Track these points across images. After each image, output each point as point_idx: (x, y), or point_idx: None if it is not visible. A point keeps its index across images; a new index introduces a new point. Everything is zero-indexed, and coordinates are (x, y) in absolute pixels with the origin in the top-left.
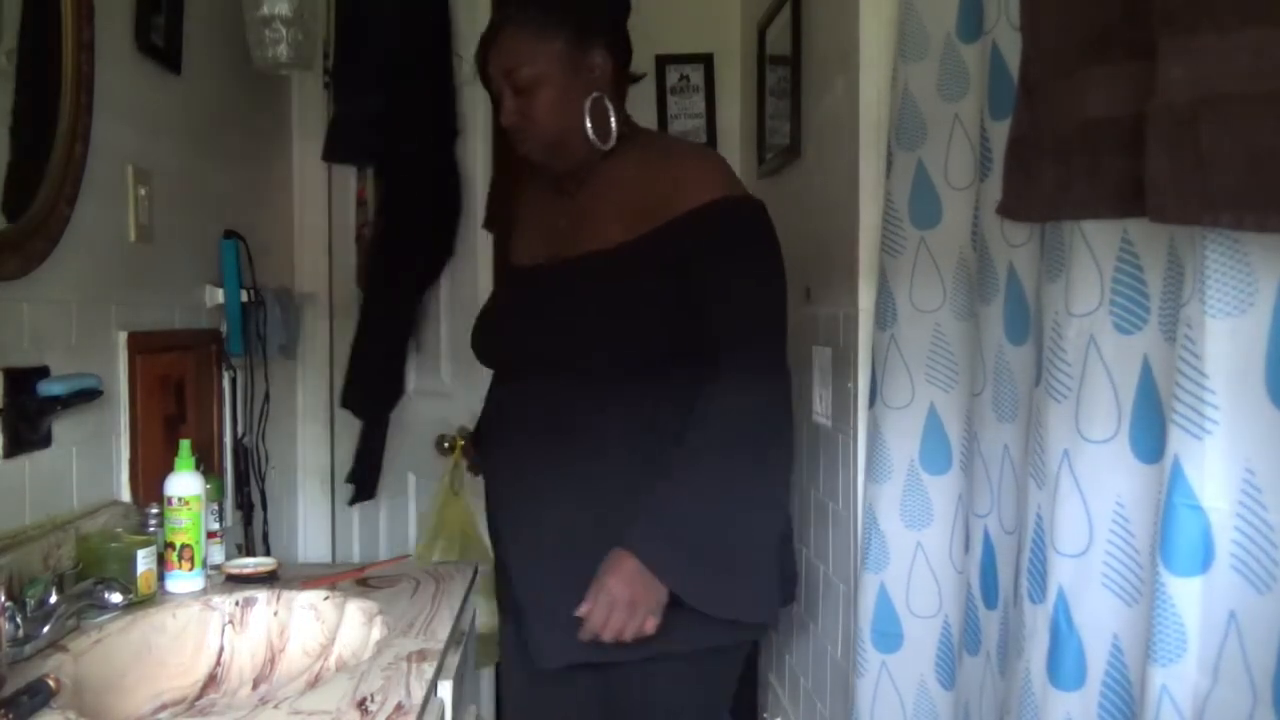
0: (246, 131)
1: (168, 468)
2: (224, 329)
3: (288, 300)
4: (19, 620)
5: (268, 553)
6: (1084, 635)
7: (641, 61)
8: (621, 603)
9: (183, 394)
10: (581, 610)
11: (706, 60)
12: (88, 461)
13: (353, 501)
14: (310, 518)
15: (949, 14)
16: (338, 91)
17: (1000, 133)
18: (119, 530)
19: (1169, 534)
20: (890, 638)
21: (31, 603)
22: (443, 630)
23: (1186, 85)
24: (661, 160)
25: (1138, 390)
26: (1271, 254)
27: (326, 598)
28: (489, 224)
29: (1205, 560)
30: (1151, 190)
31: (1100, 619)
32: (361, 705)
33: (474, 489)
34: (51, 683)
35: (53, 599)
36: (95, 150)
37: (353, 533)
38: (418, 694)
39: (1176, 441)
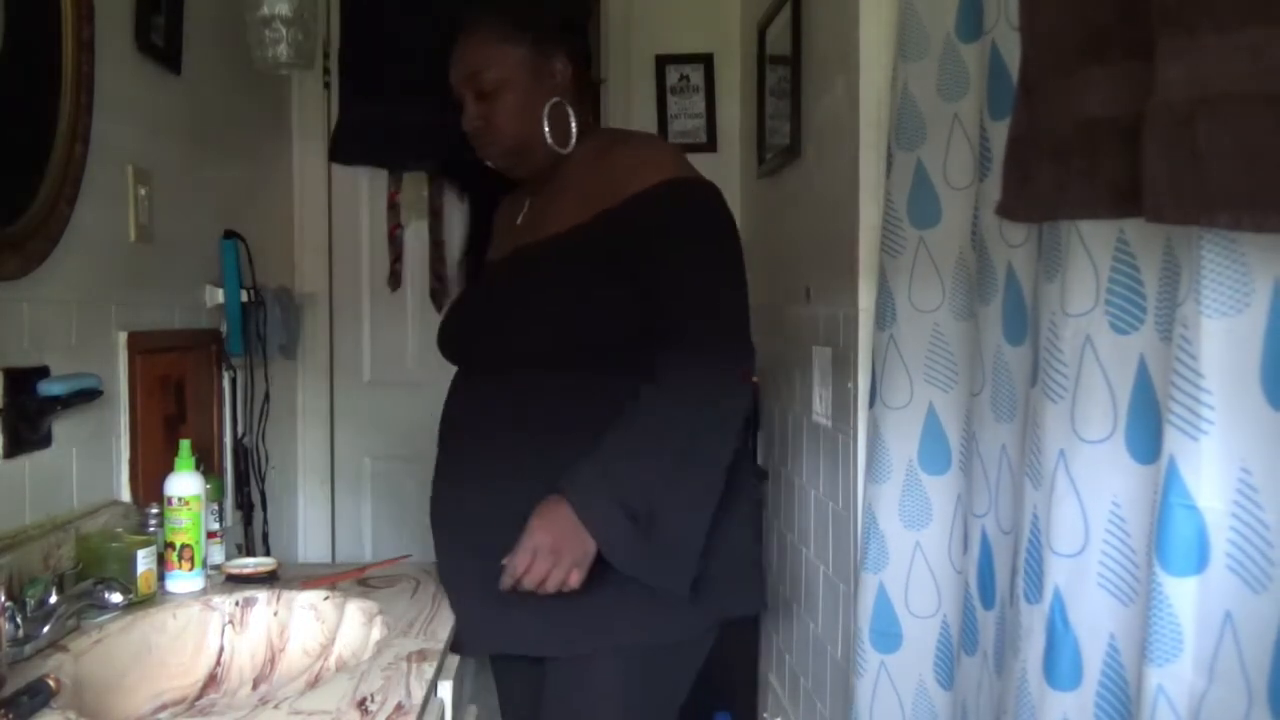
0: (246, 131)
1: (168, 468)
2: (224, 329)
3: (288, 300)
4: (19, 620)
5: (268, 553)
6: (1080, 635)
7: (641, 61)
8: (545, 549)
9: (183, 394)
10: (506, 558)
11: (706, 60)
12: (88, 461)
13: None
14: (310, 518)
15: (949, 14)
16: (366, 96)
17: (1000, 133)
18: (119, 530)
19: (1165, 534)
20: (889, 638)
21: (31, 603)
22: (443, 630)
23: (1185, 85)
24: (612, 149)
25: (1134, 390)
26: (1268, 254)
27: (326, 598)
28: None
29: (1201, 560)
30: (1149, 190)
31: (1096, 619)
32: (361, 705)
33: None
34: (51, 683)
35: (53, 599)
36: (95, 150)
37: (352, 533)
38: (418, 694)
39: (1172, 441)
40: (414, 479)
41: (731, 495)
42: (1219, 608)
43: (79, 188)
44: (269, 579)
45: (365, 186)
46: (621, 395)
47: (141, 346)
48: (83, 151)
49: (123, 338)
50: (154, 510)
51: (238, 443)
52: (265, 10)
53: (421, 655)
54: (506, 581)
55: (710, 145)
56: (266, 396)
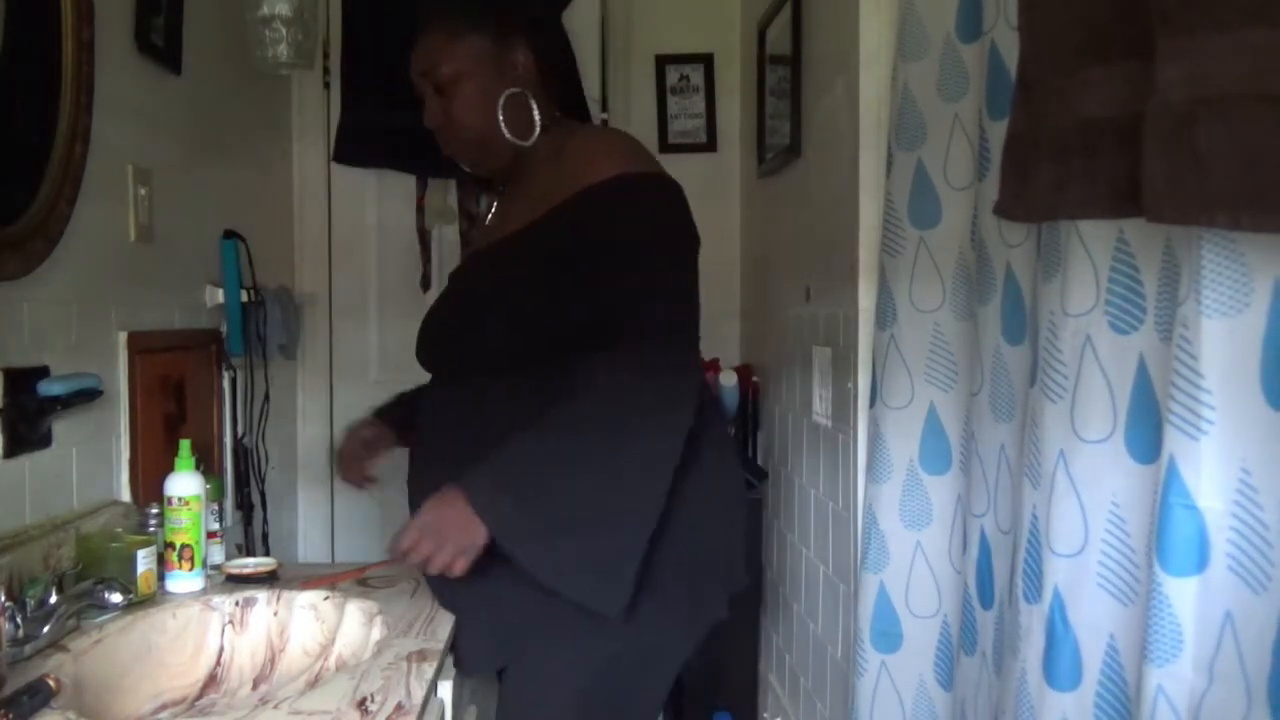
0: (246, 131)
1: (168, 468)
2: (224, 329)
3: (288, 300)
4: (19, 620)
5: (268, 553)
6: (1080, 635)
7: (641, 61)
8: (430, 531)
9: (183, 394)
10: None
11: (706, 60)
12: (88, 461)
13: None
14: (310, 518)
15: (948, 14)
16: (366, 97)
17: (999, 133)
18: (119, 530)
19: (1165, 534)
20: (890, 637)
21: (31, 603)
22: (443, 630)
23: (1184, 85)
24: (567, 144)
25: (1133, 390)
26: (1268, 254)
27: (326, 598)
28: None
29: (1201, 560)
30: (1148, 190)
31: (1096, 619)
32: (361, 705)
33: None
34: (51, 683)
35: (53, 599)
36: (95, 150)
37: (352, 533)
38: (418, 694)
39: (1172, 441)
40: None
41: (696, 499)
42: (1219, 608)
43: (79, 188)
44: (269, 579)
45: (373, 185)
46: None
47: (141, 346)
48: (83, 151)
49: (123, 338)
50: (154, 510)
51: (238, 443)
52: (265, 10)
53: (421, 655)
54: (393, 552)
55: (710, 145)
56: (266, 396)
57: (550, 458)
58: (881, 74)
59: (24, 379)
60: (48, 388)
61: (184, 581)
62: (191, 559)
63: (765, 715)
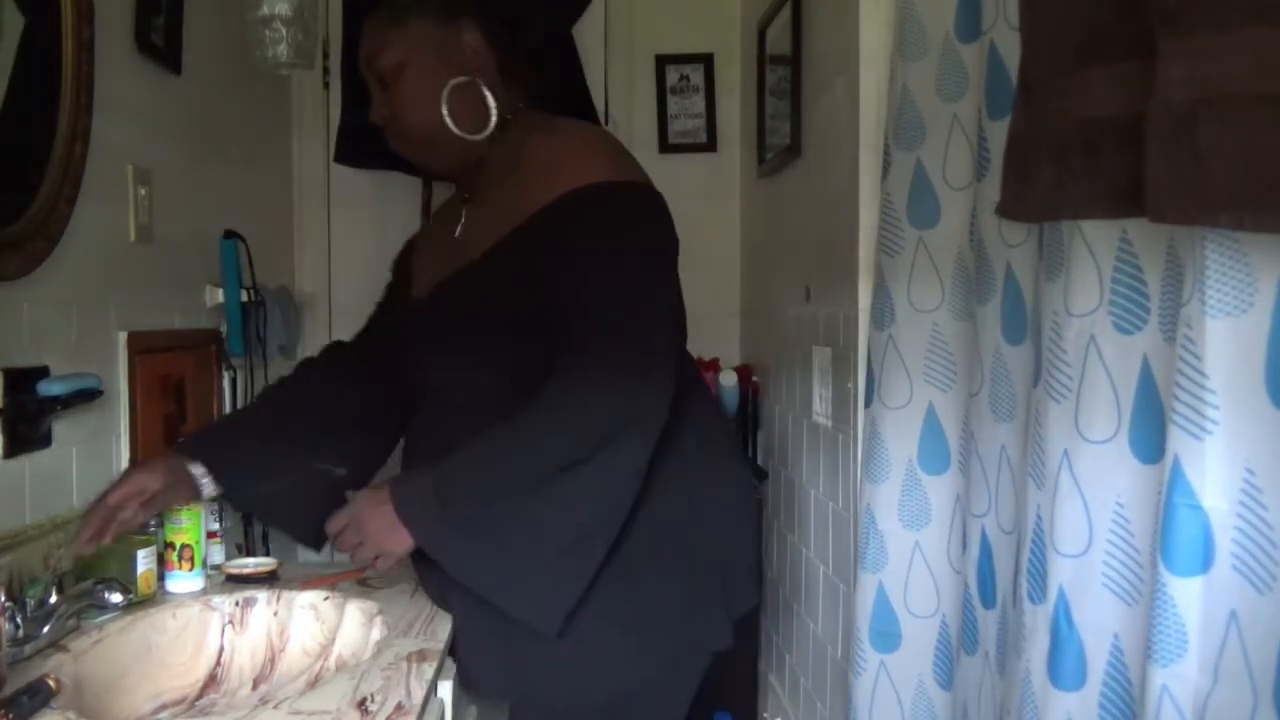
0: (246, 131)
1: None
2: (224, 329)
3: (288, 300)
4: (19, 620)
5: (268, 553)
6: (1084, 635)
7: (641, 61)
8: (354, 525)
9: (183, 394)
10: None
11: (706, 60)
12: (88, 461)
13: None
14: None
15: (947, 14)
16: (365, 98)
17: (999, 132)
18: None
19: (1169, 534)
20: (888, 637)
21: (31, 603)
22: (443, 630)
23: (1186, 85)
24: (537, 145)
25: (1137, 390)
26: (1271, 254)
27: (326, 598)
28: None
29: (1205, 560)
30: (1150, 190)
31: (1101, 619)
32: (361, 705)
33: None
34: (51, 683)
35: (53, 599)
36: (95, 150)
37: None
38: (418, 694)
39: (1176, 441)
40: None
41: (701, 517)
42: (1224, 607)
43: (79, 188)
44: (269, 579)
45: (373, 185)
46: None
47: (141, 346)
48: (83, 151)
49: (123, 338)
50: None
51: None
52: (265, 10)
53: (421, 655)
54: (326, 531)
55: (710, 145)
56: None
57: (487, 469)
58: (882, 74)
59: (24, 379)
60: (48, 388)
61: (184, 581)
62: (191, 559)
63: (765, 715)
